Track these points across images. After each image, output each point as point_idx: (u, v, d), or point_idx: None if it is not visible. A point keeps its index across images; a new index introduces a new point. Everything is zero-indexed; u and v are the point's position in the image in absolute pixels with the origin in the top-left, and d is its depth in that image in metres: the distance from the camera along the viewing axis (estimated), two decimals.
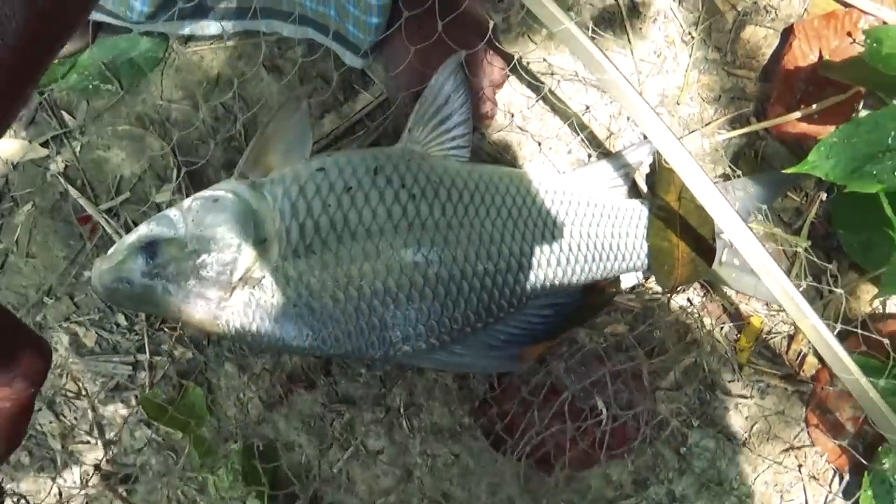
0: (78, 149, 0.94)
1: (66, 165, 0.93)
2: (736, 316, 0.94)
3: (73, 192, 0.92)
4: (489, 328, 0.84)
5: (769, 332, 0.94)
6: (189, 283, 0.77)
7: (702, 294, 0.94)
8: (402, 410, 0.87)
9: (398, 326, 0.80)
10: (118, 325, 0.89)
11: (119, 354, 0.89)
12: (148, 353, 0.88)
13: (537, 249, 0.84)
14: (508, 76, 0.96)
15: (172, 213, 0.79)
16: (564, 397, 0.82)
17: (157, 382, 0.88)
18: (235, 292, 0.77)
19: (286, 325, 0.78)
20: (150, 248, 0.77)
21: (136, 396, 0.88)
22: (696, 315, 0.92)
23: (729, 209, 0.80)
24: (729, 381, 0.92)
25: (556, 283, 0.87)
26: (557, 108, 0.98)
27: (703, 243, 0.90)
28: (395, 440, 0.87)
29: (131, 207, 0.93)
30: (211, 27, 0.90)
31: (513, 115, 0.97)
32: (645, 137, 0.93)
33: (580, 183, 0.92)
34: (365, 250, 0.78)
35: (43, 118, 0.94)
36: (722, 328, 0.92)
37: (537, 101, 0.97)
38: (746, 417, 0.92)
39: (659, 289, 0.92)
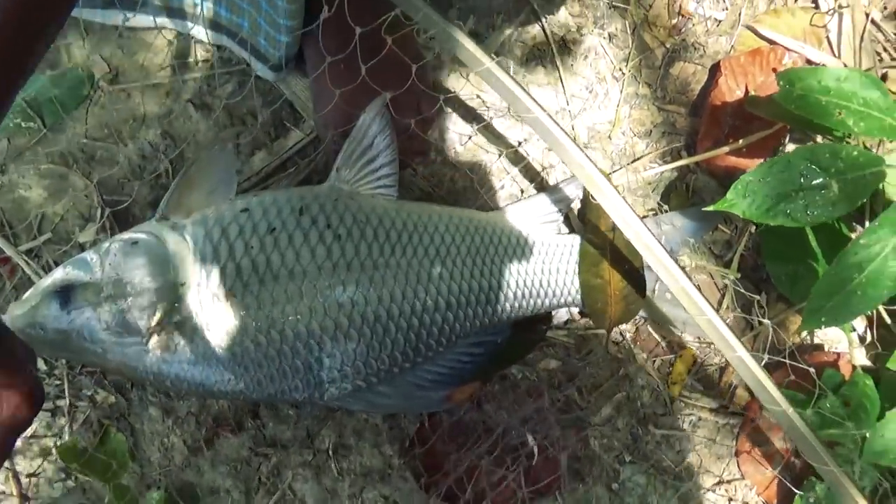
0: None
1: None
2: (668, 349, 0.95)
3: None
4: (417, 368, 0.83)
5: (701, 365, 0.95)
6: (104, 329, 0.75)
7: (633, 328, 0.95)
8: (330, 452, 0.85)
9: (323, 369, 0.79)
10: (38, 369, 0.86)
11: None
12: (68, 398, 0.85)
13: (466, 287, 0.84)
14: (437, 113, 0.97)
15: (90, 255, 0.77)
16: (496, 435, 0.82)
17: (78, 429, 0.85)
18: (153, 338, 0.75)
19: (206, 370, 0.77)
20: (64, 292, 0.75)
21: (56, 444, 0.85)
22: (629, 349, 0.93)
23: (654, 242, 0.80)
24: (661, 415, 0.92)
25: (486, 320, 0.86)
26: (490, 143, 0.98)
27: (634, 277, 0.91)
28: (324, 483, 0.86)
29: (53, 248, 0.90)
30: (144, 20, 0.90)
31: (442, 153, 0.97)
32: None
33: (512, 219, 0.92)
34: (288, 292, 0.77)
35: None
36: (654, 361, 0.93)
37: (470, 138, 0.98)
38: (678, 451, 0.92)
39: (591, 322, 0.93)
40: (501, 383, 0.88)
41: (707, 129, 1.03)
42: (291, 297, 0.77)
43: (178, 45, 0.94)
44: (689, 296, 0.82)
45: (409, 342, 0.81)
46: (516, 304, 0.88)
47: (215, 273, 0.76)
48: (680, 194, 1.03)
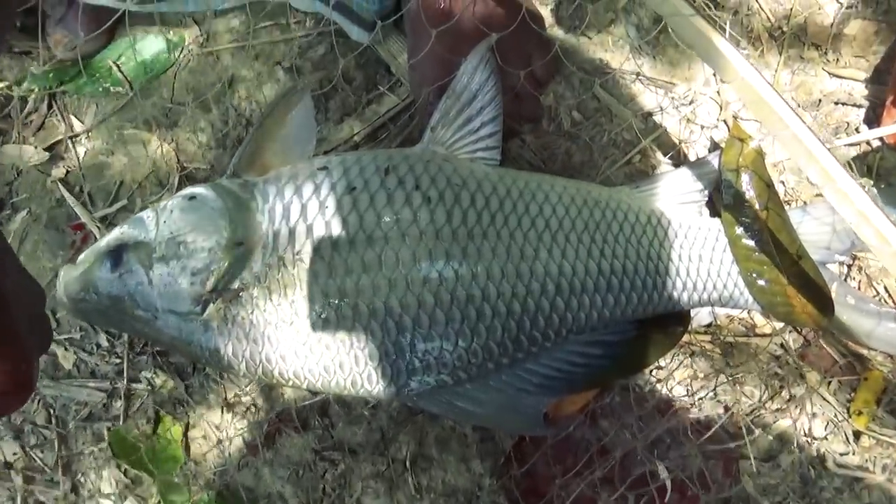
0: (82, 154, 0.86)
1: (68, 171, 0.86)
2: (848, 369, 0.72)
3: (68, 197, 0.84)
4: (517, 367, 0.67)
5: None
6: (156, 293, 0.65)
7: (801, 340, 0.74)
8: (408, 464, 0.70)
9: (403, 356, 0.65)
10: (99, 346, 0.79)
11: (96, 379, 0.78)
12: (126, 379, 0.77)
13: (582, 270, 0.67)
14: (556, 74, 0.82)
15: (147, 213, 0.68)
16: (614, 459, 0.64)
17: (133, 414, 0.76)
18: (209, 306, 0.65)
19: (266, 348, 0.65)
20: (116, 253, 0.66)
21: (109, 429, 0.76)
22: (793, 365, 0.72)
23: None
24: (841, 454, 0.70)
25: (607, 313, 0.69)
26: (615, 110, 0.83)
27: (804, 272, 0.71)
28: (398, 500, 0.70)
29: (128, 215, 0.84)
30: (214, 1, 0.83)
31: (557, 120, 0.82)
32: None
33: (642, 195, 0.75)
34: (365, 261, 0.64)
35: (52, 123, 0.88)
36: (829, 383, 0.71)
37: (590, 93, 0.82)
38: None
39: (743, 328, 0.73)
40: (624, 396, 0.69)
41: None
42: (369, 266, 0.64)
43: (272, 9, 0.87)
44: None
45: (508, 331, 0.66)
46: (646, 297, 0.70)
47: (283, 234, 0.65)
48: (861, 177, 0.82)
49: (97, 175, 0.85)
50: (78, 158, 0.86)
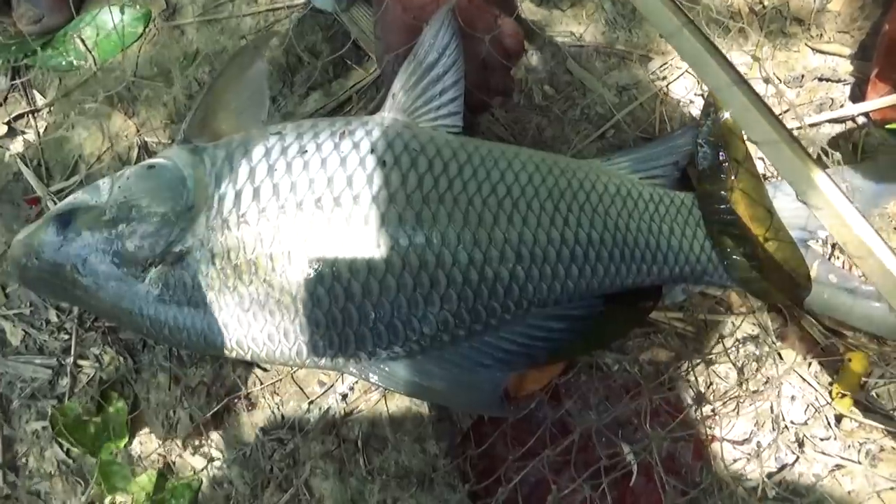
0: (43, 129, 0.84)
1: (27, 146, 0.84)
2: (828, 351, 0.68)
3: (25, 170, 0.82)
4: (475, 339, 0.63)
5: (881, 376, 0.68)
6: (99, 257, 0.62)
7: (779, 318, 0.70)
8: (359, 444, 0.66)
9: (350, 325, 0.61)
10: (48, 321, 0.76)
11: (43, 356, 0.75)
12: (73, 355, 0.73)
13: (544, 238, 0.64)
14: (526, 47, 0.80)
15: (103, 180, 0.66)
16: (575, 439, 0.60)
17: (79, 392, 0.72)
18: (151, 270, 0.62)
19: (207, 315, 0.62)
20: (65, 216, 0.64)
21: (54, 407, 0.72)
22: (772, 346, 0.68)
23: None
24: (822, 439, 0.65)
25: (571, 286, 0.65)
26: (588, 84, 0.80)
27: (783, 250, 0.67)
28: (349, 483, 0.66)
29: None
30: None
31: (528, 94, 0.80)
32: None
33: (613, 169, 0.72)
34: (313, 224, 0.61)
35: (14, 98, 0.87)
36: (810, 365, 0.67)
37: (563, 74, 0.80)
38: (850, 492, 0.64)
39: (718, 307, 0.69)
40: (589, 374, 0.65)
41: (882, 73, 0.78)
42: (317, 229, 0.61)
43: None
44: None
45: (465, 301, 0.62)
46: (613, 269, 0.66)
47: (229, 196, 0.62)
48: (845, 154, 0.78)
49: (57, 150, 0.83)
50: (38, 133, 0.84)
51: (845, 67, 0.81)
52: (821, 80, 0.81)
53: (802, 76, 0.81)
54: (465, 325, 0.63)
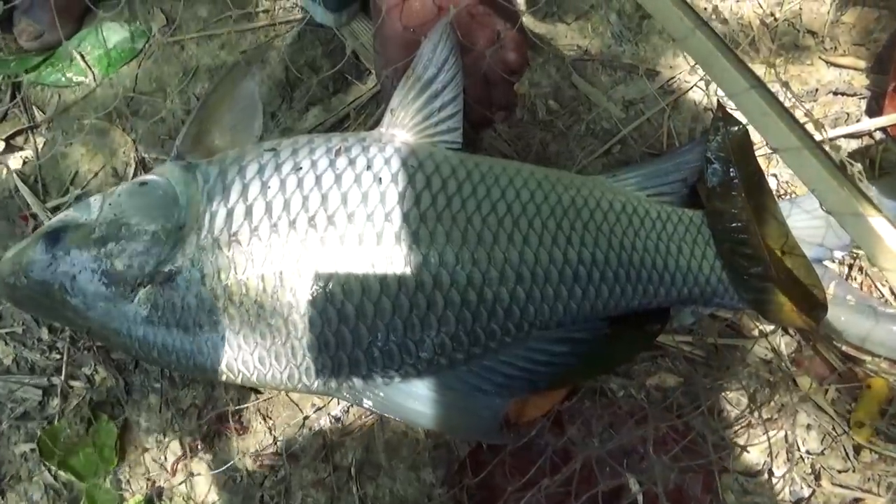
0: (41, 144, 0.84)
1: (25, 161, 0.83)
2: (845, 377, 0.65)
3: (21, 186, 0.81)
4: (473, 363, 0.61)
5: None
6: (88, 276, 0.61)
7: (794, 342, 0.67)
8: (353, 472, 0.64)
9: (344, 349, 0.59)
10: (40, 340, 0.74)
11: (34, 375, 0.73)
12: (64, 375, 0.72)
13: (546, 258, 0.62)
14: (529, 61, 0.78)
15: (94, 198, 0.65)
16: (574, 467, 0.57)
17: (69, 413, 0.71)
18: (140, 290, 0.60)
19: (197, 337, 0.60)
20: (54, 234, 0.62)
21: (43, 429, 0.71)
22: (785, 371, 0.65)
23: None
24: (840, 471, 0.62)
25: (575, 309, 0.63)
26: (593, 99, 0.77)
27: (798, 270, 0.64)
28: None
29: None
30: None
31: (532, 109, 0.77)
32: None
33: (619, 186, 0.69)
34: (306, 244, 0.59)
35: (15, 113, 0.86)
36: (826, 392, 0.64)
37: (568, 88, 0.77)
38: None
39: (729, 329, 0.66)
40: (593, 401, 0.63)
41: None
42: (310, 249, 0.59)
43: None
44: None
45: (463, 323, 0.60)
46: (618, 290, 0.64)
47: (220, 215, 0.60)
48: (863, 171, 0.75)
49: (54, 166, 0.82)
50: (36, 149, 0.83)
51: (861, 81, 0.79)
52: (836, 93, 0.79)
53: (816, 90, 0.79)
54: (463, 348, 0.60)
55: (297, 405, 0.68)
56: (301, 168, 0.62)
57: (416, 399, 0.61)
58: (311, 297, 0.58)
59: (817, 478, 0.62)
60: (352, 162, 0.62)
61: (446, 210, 0.61)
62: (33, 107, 0.86)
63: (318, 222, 0.59)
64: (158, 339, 0.61)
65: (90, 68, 0.86)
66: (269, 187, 0.61)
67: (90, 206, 0.64)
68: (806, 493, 0.61)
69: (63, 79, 0.85)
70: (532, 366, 0.61)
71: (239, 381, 0.60)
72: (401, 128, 0.67)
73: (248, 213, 0.60)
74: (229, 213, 0.60)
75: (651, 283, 0.64)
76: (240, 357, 0.60)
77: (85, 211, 0.64)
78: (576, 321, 0.63)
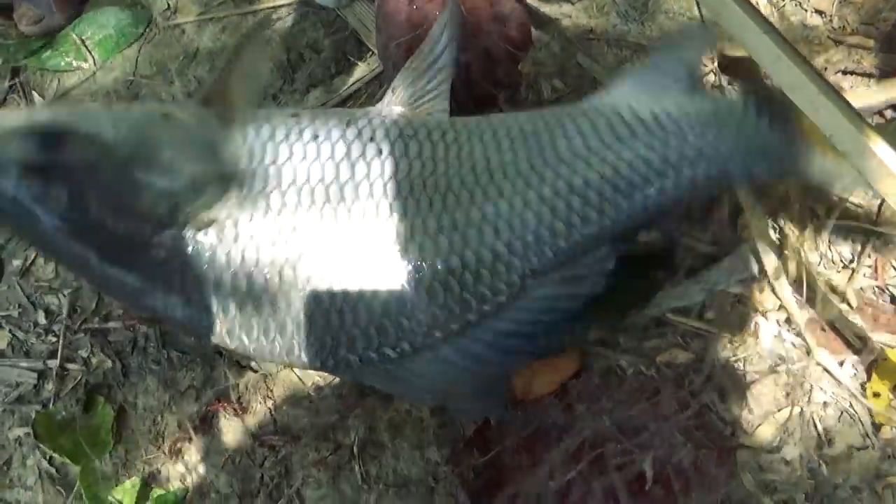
0: None
1: None
2: (856, 347, 0.63)
3: None
4: (470, 331, 0.58)
5: None
6: (103, 206, 0.55)
7: (807, 314, 0.64)
8: (355, 451, 0.62)
9: (344, 323, 0.57)
10: (36, 323, 0.73)
11: (29, 359, 0.71)
12: (60, 358, 0.70)
13: (520, 205, 0.58)
14: (534, 41, 0.77)
15: (104, 115, 0.58)
16: (583, 444, 0.55)
17: (64, 396, 0.69)
18: (165, 233, 0.56)
19: (204, 294, 0.57)
20: (47, 138, 0.55)
21: (38, 412, 0.69)
22: (800, 346, 0.63)
23: None
24: (858, 449, 0.60)
25: (564, 246, 0.57)
26: (599, 78, 0.76)
27: None
28: (343, 490, 0.62)
29: None
30: None
31: (536, 87, 0.77)
32: None
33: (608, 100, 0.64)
34: (323, 213, 0.57)
35: (13, 99, 0.85)
36: (842, 364, 0.62)
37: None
38: None
39: (739, 304, 0.64)
40: (603, 377, 0.61)
41: None
42: (324, 218, 0.57)
43: None
44: None
45: (450, 291, 0.57)
46: (609, 210, 0.58)
47: (260, 175, 0.58)
48: None
49: None
50: None
51: (870, 60, 0.78)
52: (844, 73, 0.78)
53: (825, 69, 0.78)
54: (456, 317, 0.58)
55: (301, 380, 0.66)
56: (318, 136, 0.61)
57: (410, 372, 0.58)
58: (315, 272, 0.57)
59: (833, 454, 0.59)
60: (359, 133, 0.62)
61: (432, 177, 0.59)
62: (33, 91, 0.85)
63: (332, 195, 0.58)
64: (172, 297, 0.57)
65: (90, 52, 0.85)
66: (293, 154, 0.60)
67: (99, 120, 0.57)
68: (824, 469, 0.59)
69: (63, 63, 0.85)
70: (534, 316, 0.58)
71: (235, 348, 0.58)
72: (400, 104, 0.65)
73: (279, 176, 0.58)
74: (265, 174, 0.58)
75: (637, 189, 0.59)
76: (244, 324, 0.57)
77: (94, 124, 0.56)
78: (572, 259, 0.59)
